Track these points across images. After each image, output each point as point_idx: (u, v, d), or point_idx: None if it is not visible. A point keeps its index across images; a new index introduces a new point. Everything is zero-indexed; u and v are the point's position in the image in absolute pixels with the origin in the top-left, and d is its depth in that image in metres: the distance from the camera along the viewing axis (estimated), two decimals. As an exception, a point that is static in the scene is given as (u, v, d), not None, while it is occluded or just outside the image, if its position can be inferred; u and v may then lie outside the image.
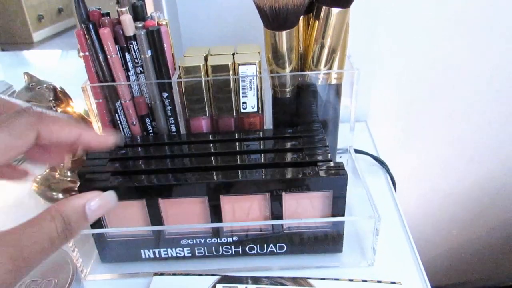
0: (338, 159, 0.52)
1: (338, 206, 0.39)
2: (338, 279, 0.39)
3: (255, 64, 0.44)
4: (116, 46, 0.43)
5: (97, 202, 0.26)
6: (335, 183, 0.38)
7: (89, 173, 0.40)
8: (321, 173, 0.38)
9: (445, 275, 0.91)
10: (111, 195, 0.27)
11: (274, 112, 0.48)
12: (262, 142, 0.45)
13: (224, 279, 0.40)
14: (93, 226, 0.40)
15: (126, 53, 0.44)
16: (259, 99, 0.47)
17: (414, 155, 0.74)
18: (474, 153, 0.73)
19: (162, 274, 0.42)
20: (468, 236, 0.85)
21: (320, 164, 0.39)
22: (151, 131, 0.49)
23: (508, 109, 0.68)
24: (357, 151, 0.58)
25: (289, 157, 0.41)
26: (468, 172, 0.75)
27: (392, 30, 0.61)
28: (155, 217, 0.40)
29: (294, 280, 0.39)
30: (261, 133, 0.47)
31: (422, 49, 0.62)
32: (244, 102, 0.47)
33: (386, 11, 0.59)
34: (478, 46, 0.62)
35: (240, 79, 0.45)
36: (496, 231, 0.84)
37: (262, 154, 0.42)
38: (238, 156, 0.42)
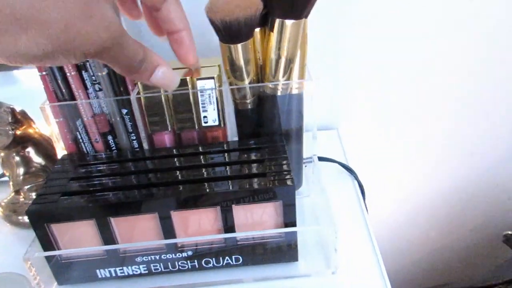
0: (304, 168, 0.52)
1: (289, 215, 0.39)
2: (299, 290, 0.39)
3: (213, 79, 0.45)
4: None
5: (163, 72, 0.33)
6: (284, 192, 0.38)
7: (44, 195, 0.40)
8: (269, 184, 0.39)
9: (428, 277, 0.91)
10: (173, 78, 0.34)
11: (237, 124, 0.48)
12: (221, 155, 0.45)
13: (187, 296, 0.39)
14: (46, 248, 0.40)
15: (84, 71, 0.44)
16: (220, 113, 0.47)
17: (386, 161, 0.74)
18: (445, 157, 0.74)
19: (125, 293, 0.41)
20: (447, 238, 0.85)
21: (269, 174, 0.40)
22: (114, 148, 0.48)
23: (477, 113, 0.69)
24: (325, 159, 0.59)
25: (246, 169, 0.41)
26: (440, 176, 0.76)
27: (359, 38, 0.61)
28: (108, 236, 0.40)
29: (257, 293, 0.39)
30: (224, 145, 0.47)
31: (390, 56, 0.63)
32: (205, 116, 0.47)
33: (352, 18, 0.60)
34: (446, 50, 0.63)
35: (199, 93, 0.45)
36: (474, 232, 0.84)
37: (218, 168, 0.42)
38: (191, 171, 0.42)
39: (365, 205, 0.54)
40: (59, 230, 0.40)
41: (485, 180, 0.77)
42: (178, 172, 0.43)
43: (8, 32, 0.24)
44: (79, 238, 0.41)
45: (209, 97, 0.45)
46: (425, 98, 0.67)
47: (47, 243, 0.40)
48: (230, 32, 0.40)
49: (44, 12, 0.24)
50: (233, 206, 0.39)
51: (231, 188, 0.39)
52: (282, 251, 0.41)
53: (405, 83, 0.66)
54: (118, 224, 0.40)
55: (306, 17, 0.43)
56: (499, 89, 0.67)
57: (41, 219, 0.39)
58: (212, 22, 0.40)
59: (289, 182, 0.39)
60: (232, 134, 0.49)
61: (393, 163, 0.75)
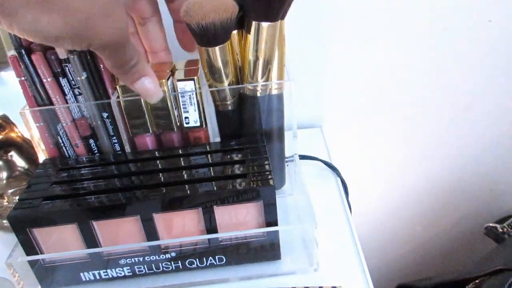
0: (286, 167, 0.52)
1: (270, 215, 0.40)
2: (281, 288, 0.40)
3: (193, 80, 0.45)
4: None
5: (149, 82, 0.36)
6: (264, 192, 0.39)
7: (25, 199, 0.40)
8: (250, 184, 0.39)
9: (413, 270, 0.92)
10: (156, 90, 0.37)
11: (219, 125, 0.49)
12: (203, 156, 0.45)
13: (170, 296, 0.40)
14: (28, 253, 0.40)
15: (61, 77, 0.44)
16: (201, 114, 0.47)
17: (369, 158, 0.75)
18: (427, 152, 0.75)
19: (109, 296, 0.42)
20: (431, 232, 0.87)
21: (249, 174, 0.40)
22: (96, 151, 0.48)
23: (454, 107, 0.70)
24: (308, 157, 0.59)
25: (227, 170, 0.42)
26: (422, 171, 0.77)
27: (340, 37, 0.62)
28: (90, 239, 0.40)
29: (239, 292, 0.40)
30: (206, 146, 0.48)
31: (373, 54, 0.64)
32: (186, 117, 0.47)
33: (335, 17, 0.60)
34: (425, 48, 0.64)
35: (180, 95, 0.45)
36: (455, 227, 0.86)
37: (200, 169, 0.42)
38: (172, 173, 0.43)
39: (348, 203, 0.54)
40: (41, 234, 0.40)
41: (467, 173, 0.79)
42: (160, 174, 0.43)
43: (34, 11, 0.27)
44: (62, 242, 0.41)
45: (190, 98, 0.45)
46: (407, 95, 0.68)
47: (29, 247, 0.40)
48: (207, 36, 0.40)
49: (73, 2, 0.28)
50: (215, 207, 0.39)
51: (212, 189, 0.39)
52: (265, 250, 0.42)
53: (388, 81, 0.67)
54: (101, 227, 0.40)
55: (282, 18, 0.43)
56: (480, 82, 0.68)
57: (23, 224, 0.39)
58: (189, 26, 0.40)
59: (269, 182, 0.39)
60: (213, 134, 0.50)
61: (376, 160, 0.76)
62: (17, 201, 0.41)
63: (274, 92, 0.48)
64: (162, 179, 0.42)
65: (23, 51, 0.42)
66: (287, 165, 0.52)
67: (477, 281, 0.67)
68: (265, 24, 0.41)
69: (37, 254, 0.40)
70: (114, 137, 0.47)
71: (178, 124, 0.47)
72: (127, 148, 0.48)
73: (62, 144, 0.48)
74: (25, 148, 0.53)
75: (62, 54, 0.42)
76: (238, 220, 0.41)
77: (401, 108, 0.70)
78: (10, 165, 0.52)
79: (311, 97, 0.68)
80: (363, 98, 0.69)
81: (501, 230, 0.68)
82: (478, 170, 0.79)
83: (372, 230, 0.84)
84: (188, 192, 0.39)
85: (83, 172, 0.45)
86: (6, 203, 0.53)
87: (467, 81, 0.68)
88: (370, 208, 0.81)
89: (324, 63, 0.65)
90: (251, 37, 0.43)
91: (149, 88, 0.36)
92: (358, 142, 0.73)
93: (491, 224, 0.70)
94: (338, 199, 0.53)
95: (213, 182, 0.40)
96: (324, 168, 0.59)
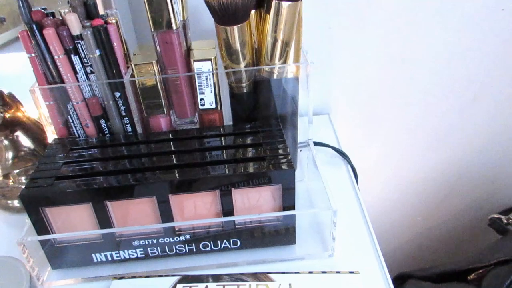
0: (298, 153, 0.52)
1: (288, 199, 0.40)
2: (298, 272, 0.39)
3: (211, 60, 0.44)
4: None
5: None
6: (283, 176, 0.38)
7: (37, 178, 0.39)
8: (269, 167, 0.39)
9: (412, 261, 0.93)
10: None
11: (232, 108, 0.48)
12: (219, 139, 0.44)
13: (184, 279, 0.39)
14: (40, 232, 0.39)
15: (74, 54, 0.42)
16: (217, 96, 0.46)
17: (376, 146, 0.75)
18: (433, 142, 0.75)
19: (121, 277, 0.41)
20: (432, 222, 0.87)
21: (268, 158, 0.39)
22: (107, 131, 0.47)
23: (462, 98, 0.70)
24: (319, 143, 0.59)
25: (244, 152, 0.41)
26: (428, 161, 0.77)
27: (349, 21, 0.61)
28: (104, 220, 0.39)
29: (255, 276, 0.39)
30: (221, 129, 0.47)
31: (380, 42, 0.63)
32: (201, 99, 0.46)
33: (345, 2, 0.59)
34: (432, 37, 0.63)
35: (196, 75, 0.44)
36: (458, 217, 0.86)
37: (216, 151, 0.41)
38: (188, 155, 0.42)
39: (358, 189, 0.54)
40: (53, 214, 0.39)
41: (472, 163, 0.79)
42: (176, 155, 0.42)
43: None
44: (73, 222, 0.40)
45: (206, 79, 0.44)
46: (416, 84, 0.68)
47: (41, 227, 0.39)
48: (227, 14, 0.39)
49: None
50: (233, 189, 0.39)
51: (230, 171, 0.39)
52: (280, 234, 0.42)
53: (396, 68, 0.66)
54: (115, 208, 0.39)
55: (302, -1, 0.42)
56: (489, 72, 0.68)
57: (36, 203, 0.38)
58: (209, 4, 0.39)
59: (289, 166, 0.39)
60: (226, 118, 0.49)
61: (382, 148, 0.75)
62: (28, 180, 0.40)
63: (290, 75, 0.47)
64: (179, 161, 0.41)
65: (34, 26, 0.41)
66: (300, 150, 0.52)
67: (480, 271, 0.67)
68: (285, 4, 0.41)
69: (48, 233, 0.40)
70: (126, 118, 0.46)
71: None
72: (138, 129, 0.47)
73: (72, 124, 0.46)
74: (31, 128, 0.52)
75: (75, 30, 0.41)
76: (253, 204, 0.41)
77: (409, 97, 0.69)
78: (16, 145, 0.51)
79: (319, 84, 0.68)
80: (371, 86, 0.68)
81: (505, 221, 0.69)
82: (483, 161, 0.79)
83: (376, 217, 0.84)
84: (207, 174, 0.38)
85: (95, 152, 0.44)
86: (12, 183, 0.52)
87: (477, 71, 0.67)
88: (373, 196, 0.81)
89: (332, 49, 0.64)
90: (270, 17, 0.42)
91: None
92: (364, 130, 0.73)
93: (495, 215, 0.70)
94: (350, 185, 0.53)
95: (232, 165, 0.40)
96: (334, 155, 0.59)
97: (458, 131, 0.74)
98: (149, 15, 0.41)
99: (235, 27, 0.41)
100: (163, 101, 0.45)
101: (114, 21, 0.43)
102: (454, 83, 0.68)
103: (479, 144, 0.77)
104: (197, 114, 0.47)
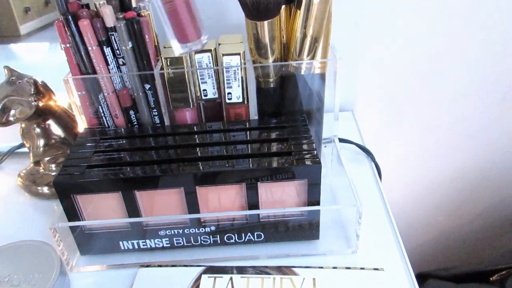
0: (323, 149, 0.52)
1: (313, 194, 0.40)
2: (322, 267, 0.40)
3: (239, 55, 0.44)
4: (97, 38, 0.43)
5: None
6: (309, 171, 0.39)
7: (69, 166, 0.40)
8: (295, 162, 0.39)
9: (432, 260, 0.92)
10: None
11: (258, 103, 0.48)
12: (245, 132, 0.45)
13: (210, 270, 0.40)
14: (70, 219, 0.40)
15: (106, 46, 0.43)
16: (244, 90, 0.47)
17: (400, 144, 0.74)
18: (458, 141, 0.74)
19: (148, 266, 0.42)
20: (454, 222, 0.86)
21: (294, 153, 0.40)
22: (135, 123, 0.48)
23: (490, 97, 0.69)
24: (342, 140, 0.59)
25: (270, 147, 0.42)
26: (452, 160, 0.76)
27: (376, 19, 0.61)
28: (132, 209, 0.40)
29: (279, 269, 0.40)
30: (247, 123, 0.47)
31: (407, 39, 0.63)
32: (229, 93, 0.47)
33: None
34: (461, 34, 0.62)
35: (225, 70, 0.45)
36: (481, 217, 0.85)
37: (243, 145, 0.42)
38: (215, 148, 0.42)
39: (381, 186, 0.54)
40: (84, 201, 0.41)
41: (496, 164, 0.77)
42: (205, 148, 0.43)
43: None
44: (102, 209, 0.41)
45: (234, 73, 0.45)
46: (443, 81, 0.67)
47: (72, 213, 0.40)
48: (258, 9, 0.39)
49: None
50: (259, 183, 0.39)
51: (258, 165, 0.39)
52: (304, 229, 0.42)
53: (422, 65, 0.65)
54: (143, 197, 0.40)
55: (333, -6, 0.42)
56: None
57: (68, 190, 0.39)
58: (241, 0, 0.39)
59: (315, 162, 0.39)
60: (251, 112, 0.49)
61: (407, 147, 0.75)
62: (61, 167, 0.41)
63: (317, 71, 0.47)
64: (208, 153, 0.42)
65: (70, 17, 0.41)
66: (325, 146, 0.52)
67: (503, 272, 0.66)
68: (316, 0, 0.41)
69: (79, 220, 0.41)
70: (155, 110, 0.47)
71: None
72: (166, 121, 0.48)
73: (102, 114, 0.48)
74: (62, 117, 0.53)
75: (109, 22, 0.42)
76: (278, 198, 0.41)
77: (435, 96, 0.68)
78: (47, 133, 0.52)
79: (344, 80, 0.67)
80: (396, 83, 0.67)
81: (530, 223, 0.68)
82: (508, 162, 0.77)
83: (398, 215, 0.84)
84: (234, 167, 0.39)
85: (125, 142, 0.45)
86: (42, 170, 0.54)
87: (506, 71, 0.66)
88: (396, 194, 0.81)
89: (357, 46, 0.63)
90: (300, 12, 0.42)
91: None
92: (388, 128, 0.72)
93: (520, 217, 0.69)
94: (374, 183, 0.53)
95: (259, 159, 0.40)
96: (358, 152, 0.59)
97: (484, 131, 0.73)
98: None
99: (266, 22, 0.41)
100: (189, 94, 0.46)
101: (147, 14, 0.43)
102: (483, 82, 0.67)
103: (505, 144, 0.75)
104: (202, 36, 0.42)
